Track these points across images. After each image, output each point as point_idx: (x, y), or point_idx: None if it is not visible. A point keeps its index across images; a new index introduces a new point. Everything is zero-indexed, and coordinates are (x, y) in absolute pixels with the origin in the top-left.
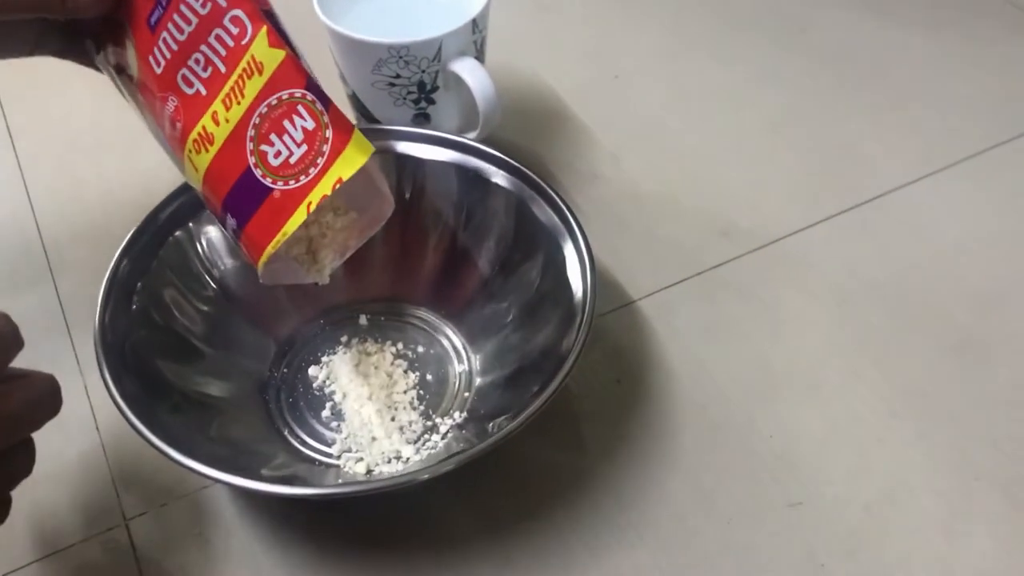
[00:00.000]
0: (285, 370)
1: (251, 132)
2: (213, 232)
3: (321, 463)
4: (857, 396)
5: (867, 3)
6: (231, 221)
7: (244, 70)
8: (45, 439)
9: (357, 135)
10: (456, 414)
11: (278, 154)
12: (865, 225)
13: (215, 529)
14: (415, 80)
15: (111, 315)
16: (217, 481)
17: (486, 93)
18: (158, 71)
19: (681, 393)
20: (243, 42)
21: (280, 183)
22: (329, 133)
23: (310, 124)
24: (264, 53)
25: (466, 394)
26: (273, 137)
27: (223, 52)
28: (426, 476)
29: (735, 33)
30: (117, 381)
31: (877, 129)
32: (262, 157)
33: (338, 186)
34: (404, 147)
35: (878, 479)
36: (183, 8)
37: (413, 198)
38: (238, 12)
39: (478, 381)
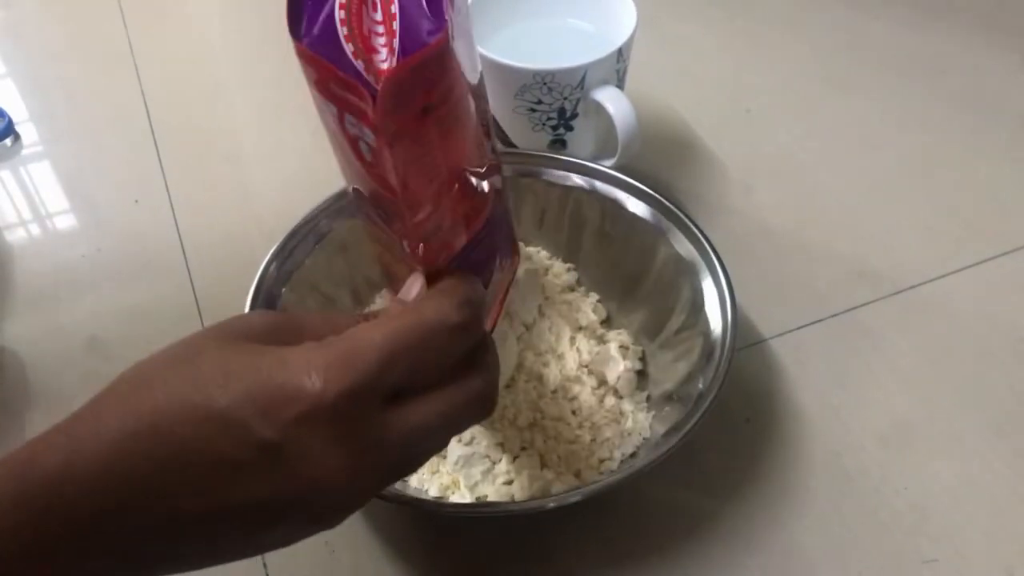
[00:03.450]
0: None
1: None
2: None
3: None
4: (997, 453)
5: (1010, 48)
6: None
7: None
8: None
9: None
10: None
11: None
12: (1008, 276)
13: (343, 542)
14: (556, 106)
15: None
16: None
17: (628, 122)
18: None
19: (812, 438)
20: None
21: None
22: None
23: None
24: None
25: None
26: None
27: None
28: (552, 505)
29: (870, 72)
30: None
31: (1019, 176)
32: None
33: None
34: (544, 172)
35: (1020, 542)
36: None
37: (548, 223)
38: None
39: None
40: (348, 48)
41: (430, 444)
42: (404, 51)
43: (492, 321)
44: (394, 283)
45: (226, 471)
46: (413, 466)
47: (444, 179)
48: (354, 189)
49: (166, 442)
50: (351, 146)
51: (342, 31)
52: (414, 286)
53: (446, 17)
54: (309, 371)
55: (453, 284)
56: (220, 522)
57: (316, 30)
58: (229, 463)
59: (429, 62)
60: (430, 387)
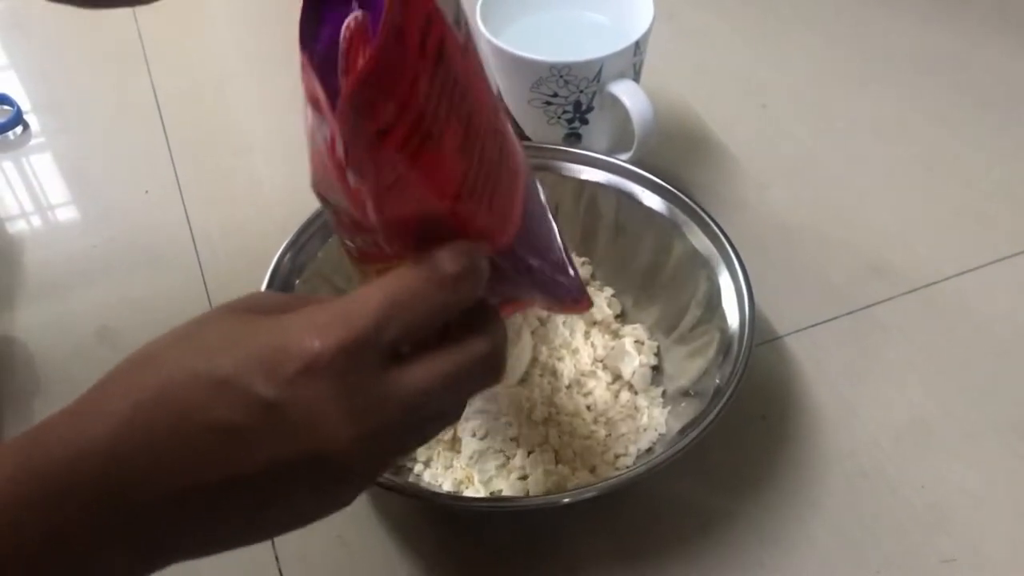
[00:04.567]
0: None
1: None
2: None
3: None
4: (1015, 452)
5: None
6: None
7: None
8: None
9: None
10: None
11: None
12: None
13: (354, 532)
14: (572, 99)
15: None
16: None
17: (644, 116)
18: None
19: (828, 435)
20: None
21: None
22: None
23: None
24: None
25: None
26: None
27: None
28: (567, 500)
29: (887, 68)
30: None
31: None
32: None
33: None
34: (559, 166)
35: None
36: None
37: (563, 217)
38: None
39: None
40: (343, 82)
41: (436, 408)
42: None
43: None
44: None
45: (230, 437)
46: (420, 433)
47: (432, 201)
48: (331, 212)
49: (170, 412)
50: (337, 171)
51: (340, 63)
52: None
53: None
54: (309, 330)
55: (450, 244)
56: (227, 495)
57: (322, 48)
58: (233, 428)
59: (362, 88)
60: (433, 348)
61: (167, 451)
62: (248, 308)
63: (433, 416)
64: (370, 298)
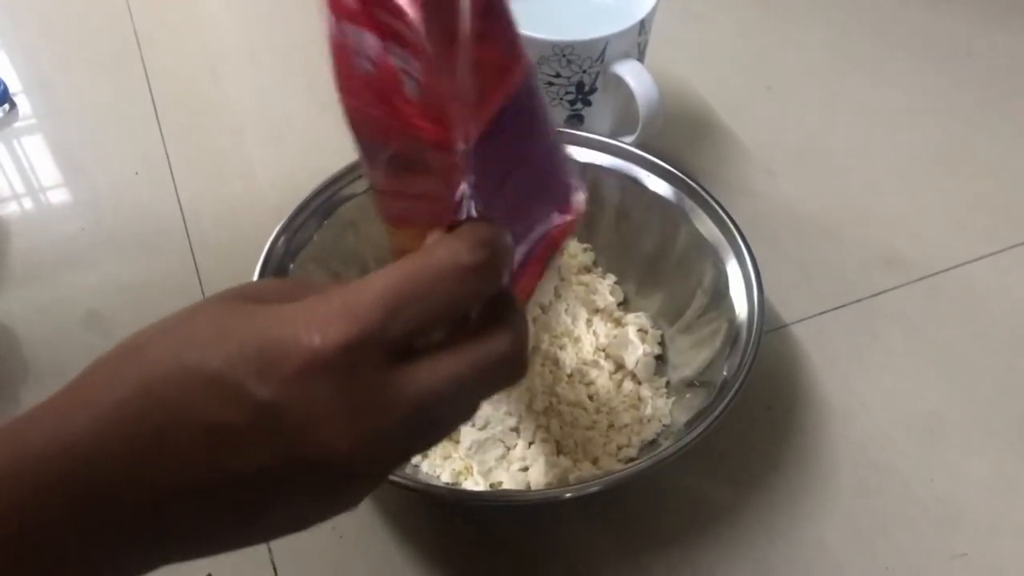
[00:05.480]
0: None
1: None
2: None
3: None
4: None
5: None
6: None
7: None
8: None
9: None
10: None
11: None
12: None
13: (350, 524)
14: (575, 80)
15: None
16: None
17: (650, 98)
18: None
19: (836, 427)
20: None
21: None
22: None
23: None
24: None
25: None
26: None
27: None
28: (569, 495)
29: (894, 53)
30: None
31: None
32: None
33: None
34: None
35: None
36: None
37: None
38: None
39: None
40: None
41: (448, 410)
42: None
43: (525, 288)
44: None
45: (220, 438)
46: (431, 435)
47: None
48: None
49: (158, 409)
50: (389, 82)
51: None
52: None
53: None
54: (308, 324)
55: (470, 226)
56: (219, 498)
57: None
58: (225, 428)
59: None
60: (446, 345)
61: (153, 449)
62: (244, 296)
63: (443, 418)
64: (376, 288)
